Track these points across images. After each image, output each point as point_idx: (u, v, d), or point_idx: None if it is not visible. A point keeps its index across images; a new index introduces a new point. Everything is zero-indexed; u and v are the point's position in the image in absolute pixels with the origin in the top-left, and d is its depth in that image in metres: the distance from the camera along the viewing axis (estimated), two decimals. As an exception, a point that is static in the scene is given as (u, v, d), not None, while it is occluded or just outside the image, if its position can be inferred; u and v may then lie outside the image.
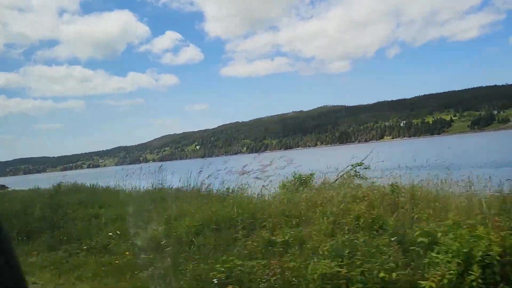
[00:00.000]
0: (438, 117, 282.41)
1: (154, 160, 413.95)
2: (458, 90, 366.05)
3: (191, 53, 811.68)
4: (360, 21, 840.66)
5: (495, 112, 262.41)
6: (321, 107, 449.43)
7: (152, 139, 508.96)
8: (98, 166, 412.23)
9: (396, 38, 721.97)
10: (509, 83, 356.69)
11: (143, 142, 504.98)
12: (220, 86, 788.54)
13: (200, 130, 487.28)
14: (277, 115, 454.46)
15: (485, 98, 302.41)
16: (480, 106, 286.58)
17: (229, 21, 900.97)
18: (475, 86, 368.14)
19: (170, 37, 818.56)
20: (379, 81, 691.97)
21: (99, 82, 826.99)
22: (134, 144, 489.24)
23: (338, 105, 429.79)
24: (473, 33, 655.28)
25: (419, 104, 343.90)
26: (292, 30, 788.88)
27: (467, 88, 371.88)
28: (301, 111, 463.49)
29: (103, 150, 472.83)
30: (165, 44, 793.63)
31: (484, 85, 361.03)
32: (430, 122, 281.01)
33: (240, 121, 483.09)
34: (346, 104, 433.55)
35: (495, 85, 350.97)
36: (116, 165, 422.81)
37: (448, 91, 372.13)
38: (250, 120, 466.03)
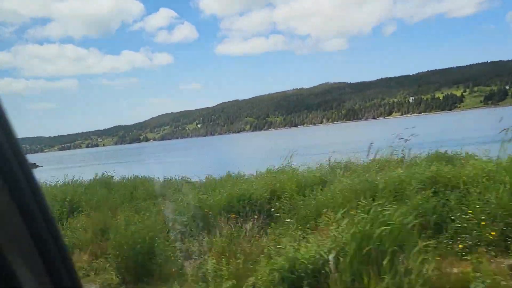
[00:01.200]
0: (449, 93, 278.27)
1: (154, 139, 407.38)
2: (463, 66, 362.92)
3: (185, 31, 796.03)
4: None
5: (507, 87, 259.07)
6: (322, 84, 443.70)
7: (149, 118, 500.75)
8: (97, 145, 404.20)
9: (393, 15, 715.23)
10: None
11: (140, 121, 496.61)
12: (215, 64, 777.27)
13: (199, 109, 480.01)
14: (278, 92, 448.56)
15: (492, 73, 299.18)
16: (489, 81, 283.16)
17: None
18: (479, 62, 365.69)
19: (164, 15, 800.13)
20: (377, 58, 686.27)
21: (92, 61, 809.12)
22: (132, 123, 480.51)
23: (340, 82, 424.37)
24: (470, 10, 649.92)
25: (425, 80, 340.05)
26: (288, 7, 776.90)
27: (471, 63, 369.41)
28: (302, 88, 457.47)
29: (100, 130, 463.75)
30: (159, 22, 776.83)
31: (489, 61, 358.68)
32: (441, 98, 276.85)
33: (240, 99, 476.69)
34: (348, 81, 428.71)
35: (500, 60, 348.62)
36: (115, 144, 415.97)
37: (453, 67, 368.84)
38: (250, 98, 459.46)
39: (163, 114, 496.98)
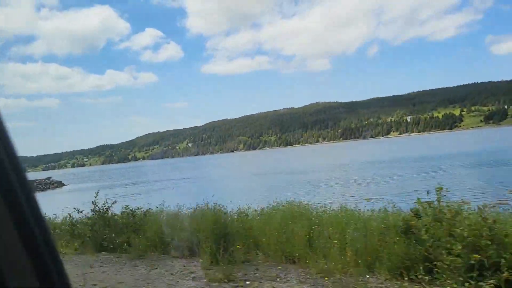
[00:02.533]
0: (448, 112, 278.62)
1: (144, 159, 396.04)
2: (454, 86, 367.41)
3: (171, 51, 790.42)
4: (342, 19, 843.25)
5: (505, 106, 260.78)
6: (313, 103, 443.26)
7: (135, 137, 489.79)
8: (83, 165, 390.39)
9: (377, 36, 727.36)
10: (506, 79, 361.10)
11: (126, 140, 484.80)
12: (200, 83, 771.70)
13: (188, 128, 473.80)
14: (269, 111, 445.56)
15: (486, 93, 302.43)
16: (485, 101, 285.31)
17: (211, 18, 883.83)
18: (467, 83, 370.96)
19: (150, 34, 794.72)
20: (361, 78, 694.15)
21: (76, 79, 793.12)
22: (118, 142, 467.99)
23: (332, 101, 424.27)
24: (450, 33, 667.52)
25: (419, 100, 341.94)
26: (274, 27, 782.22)
27: (460, 84, 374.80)
28: (292, 107, 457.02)
29: (85, 149, 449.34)
30: (145, 41, 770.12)
31: (479, 81, 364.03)
32: (440, 117, 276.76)
33: (229, 118, 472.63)
34: (340, 100, 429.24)
35: (491, 81, 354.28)
36: (103, 163, 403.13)
37: (444, 87, 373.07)
38: (240, 117, 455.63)
39: (150, 133, 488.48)
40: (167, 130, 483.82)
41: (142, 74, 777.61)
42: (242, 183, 43.62)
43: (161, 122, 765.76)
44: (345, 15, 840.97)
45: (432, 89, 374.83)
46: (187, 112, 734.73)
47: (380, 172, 39.56)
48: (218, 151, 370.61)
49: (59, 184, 68.81)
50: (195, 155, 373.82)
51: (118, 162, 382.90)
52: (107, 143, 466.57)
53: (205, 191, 33.60)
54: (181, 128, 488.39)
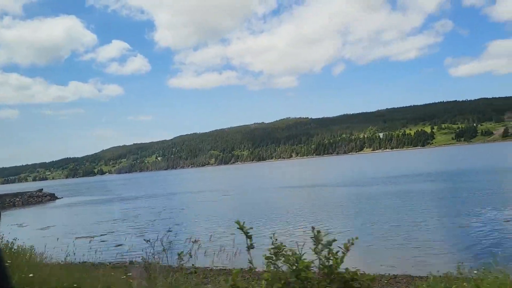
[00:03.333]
0: (420, 130, 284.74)
1: (110, 172, 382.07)
2: (421, 105, 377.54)
3: (138, 63, 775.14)
4: (309, 38, 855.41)
5: (474, 124, 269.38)
6: (284, 118, 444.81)
7: (100, 150, 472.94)
8: (45, 178, 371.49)
9: (343, 55, 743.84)
10: (470, 98, 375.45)
11: (90, 153, 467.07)
12: (167, 97, 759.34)
13: (156, 141, 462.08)
14: (240, 126, 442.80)
15: (452, 112, 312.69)
16: (454, 119, 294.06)
17: (180, 31, 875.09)
18: (436, 101, 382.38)
19: (117, 46, 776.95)
20: (328, 96, 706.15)
21: (37, 90, 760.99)
22: (81, 156, 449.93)
23: (303, 117, 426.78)
24: (412, 54, 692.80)
25: (389, 117, 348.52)
26: (243, 43, 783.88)
27: (429, 103, 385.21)
28: (263, 122, 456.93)
29: (48, 162, 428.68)
30: (111, 53, 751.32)
31: (445, 100, 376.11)
32: (412, 134, 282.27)
33: (198, 132, 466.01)
34: (310, 116, 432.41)
35: (455, 100, 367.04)
36: (66, 177, 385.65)
37: (412, 105, 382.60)
38: (210, 131, 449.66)
39: (116, 147, 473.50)
40: (134, 144, 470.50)
41: (107, 86, 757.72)
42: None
43: (127, 135, 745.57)
44: (312, 34, 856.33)
45: (400, 107, 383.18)
46: (153, 126, 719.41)
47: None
48: (189, 165, 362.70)
49: (52, 197, 62.25)
50: (165, 169, 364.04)
51: (83, 175, 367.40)
52: (71, 156, 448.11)
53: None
54: (149, 141, 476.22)
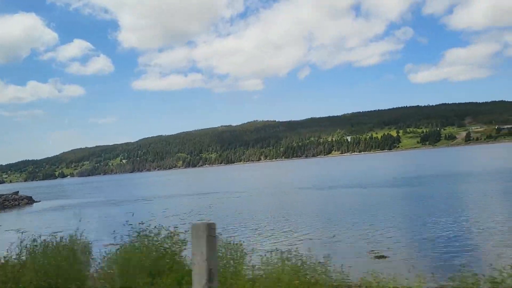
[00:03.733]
0: (386, 133, 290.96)
1: (72, 175, 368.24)
2: (385, 109, 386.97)
3: (101, 64, 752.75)
4: (275, 42, 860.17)
5: (438, 128, 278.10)
6: (252, 121, 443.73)
7: (61, 152, 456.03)
8: (2, 182, 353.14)
9: (308, 60, 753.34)
10: (431, 104, 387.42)
11: (50, 155, 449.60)
12: (131, 99, 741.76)
13: (120, 144, 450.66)
14: (207, 129, 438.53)
15: (416, 116, 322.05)
16: (418, 123, 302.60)
17: (145, 32, 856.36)
18: (399, 106, 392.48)
19: (79, 46, 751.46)
20: (293, 99, 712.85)
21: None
22: (41, 158, 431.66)
23: (270, 120, 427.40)
24: (374, 60, 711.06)
25: (355, 121, 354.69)
26: (209, 46, 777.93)
27: (393, 107, 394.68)
28: (230, 125, 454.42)
29: (4, 164, 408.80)
30: (72, 52, 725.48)
31: (408, 105, 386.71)
32: (379, 138, 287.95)
33: (164, 134, 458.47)
34: (277, 119, 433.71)
35: (418, 105, 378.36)
36: (25, 180, 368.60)
37: (377, 110, 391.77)
38: (176, 134, 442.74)
39: (77, 149, 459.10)
40: (96, 146, 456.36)
41: (67, 86, 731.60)
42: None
43: (89, 137, 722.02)
44: (278, 38, 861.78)
45: (365, 111, 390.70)
46: (116, 128, 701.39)
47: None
48: (155, 168, 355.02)
49: (30, 201, 57.91)
50: (130, 171, 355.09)
51: (43, 178, 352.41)
52: (29, 159, 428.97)
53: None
54: (112, 144, 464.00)
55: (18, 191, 60.74)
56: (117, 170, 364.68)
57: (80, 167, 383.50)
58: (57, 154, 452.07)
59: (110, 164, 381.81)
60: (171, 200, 48.02)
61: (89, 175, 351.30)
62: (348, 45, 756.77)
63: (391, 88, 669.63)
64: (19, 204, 55.10)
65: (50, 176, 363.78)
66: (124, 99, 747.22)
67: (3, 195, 56.06)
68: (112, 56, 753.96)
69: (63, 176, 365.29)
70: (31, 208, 53.23)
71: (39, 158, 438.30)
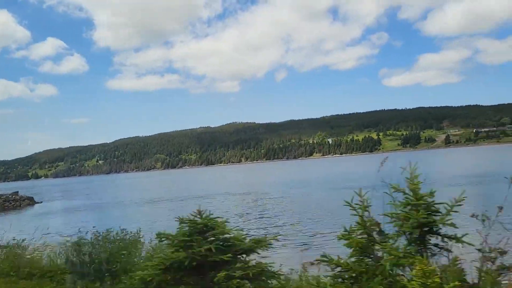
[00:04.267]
0: (367, 136, 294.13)
1: (46, 176, 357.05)
2: (364, 112, 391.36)
3: (75, 63, 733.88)
4: (253, 44, 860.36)
5: (417, 131, 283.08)
6: (231, 123, 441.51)
7: (33, 153, 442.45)
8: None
9: (285, 62, 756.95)
10: (408, 107, 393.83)
11: (22, 156, 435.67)
12: (106, 99, 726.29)
13: (96, 144, 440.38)
14: (185, 130, 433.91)
15: (395, 119, 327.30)
16: (397, 126, 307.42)
17: (121, 31, 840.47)
18: (377, 109, 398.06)
19: (52, 44, 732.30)
20: (271, 101, 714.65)
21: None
22: (12, 159, 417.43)
23: (250, 122, 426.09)
24: (350, 64, 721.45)
25: (335, 123, 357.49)
26: (187, 47, 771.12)
27: (371, 110, 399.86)
28: (209, 126, 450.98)
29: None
30: (45, 51, 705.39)
31: (386, 108, 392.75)
32: (360, 140, 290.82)
33: (141, 135, 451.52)
34: (256, 121, 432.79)
35: (395, 108, 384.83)
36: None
37: (355, 112, 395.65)
38: (154, 135, 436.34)
39: (50, 149, 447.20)
40: (70, 146, 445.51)
41: (40, 85, 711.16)
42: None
43: (62, 138, 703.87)
44: (256, 40, 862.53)
45: (344, 114, 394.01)
46: (90, 128, 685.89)
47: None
48: (133, 169, 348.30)
49: (31, 201, 54.57)
50: (107, 173, 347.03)
51: (16, 179, 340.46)
52: (1, 159, 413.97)
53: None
54: (87, 144, 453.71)
55: (17, 191, 57.28)
56: (93, 171, 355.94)
57: (55, 168, 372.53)
58: (30, 154, 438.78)
59: (86, 165, 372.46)
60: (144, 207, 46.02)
61: (64, 176, 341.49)
62: (325, 48, 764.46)
63: (366, 91, 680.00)
64: (20, 205, 51.87)
65: (23, 177, 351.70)
66: (98, 99, 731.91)
67: (2, 195, 52.68)
68: (87, 55, 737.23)
69: (36, 177, 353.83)
70: (35, 210, 50.07)
71: (9, 158, 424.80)
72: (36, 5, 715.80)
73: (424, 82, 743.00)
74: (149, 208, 40.48)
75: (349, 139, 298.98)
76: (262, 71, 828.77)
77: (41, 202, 56.28)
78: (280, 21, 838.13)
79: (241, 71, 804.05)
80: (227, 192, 51.65)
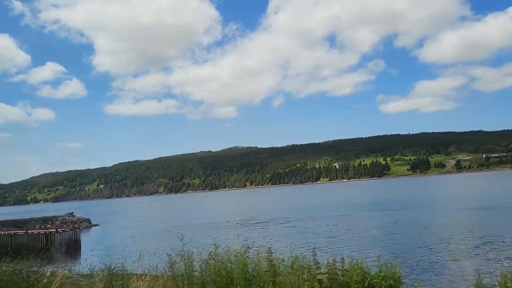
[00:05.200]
0: (376, 161, 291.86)
1: (46, 200, 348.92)
2: (366, 137, 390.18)
3: (73, 88, 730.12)
4: (251, 70, 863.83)
5: (424, 157, 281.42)
6: (232, 147, 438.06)
7: (30, 177, 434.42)
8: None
9: (282, 88, 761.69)
10: (411, 132, 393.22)
11: (19, 180, 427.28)
12: (103, 123, 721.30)
13: (95, 168, 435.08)
14: (186, 154, 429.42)
15: (402, 145, 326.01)
16: (405, 151, 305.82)
17: (121, 57, 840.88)
18: (380, 134, 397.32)
19: (51, 69, 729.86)
20: (269, 127, 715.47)
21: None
22: (8, 182, 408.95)
23: (252, 146, 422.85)
24: (347, 90, 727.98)
25: (339, 148, 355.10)
26: (185, 72, 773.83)
27: (373, 135, 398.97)
28: (210, 151, 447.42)
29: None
30: (44, 75, 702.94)
31: (387, 134, 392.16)
32: (368, 165, 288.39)
33: (142, 159, 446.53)
34: (257, 146, 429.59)
35: (398, 134, 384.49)
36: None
37: (358, 138, 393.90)
38: (154, 159, 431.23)
39: (48, 173, 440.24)
40: (68, 171, 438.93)
41: (37, 110, 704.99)
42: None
43: (58, 162, 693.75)
44: (254, 66, 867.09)
45: (348, 139, 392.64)
46: (86, 152, 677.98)
47: None
48: (135, 194, 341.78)
49: (89, 223, 50.59)
50: (108, 197, 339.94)
51: (14, 204, 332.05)
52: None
53: None
54: (84, 168, 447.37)
55: (72, 212, 53.27)
56: (93, 195, 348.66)
57: (54, 192, 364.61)
58: (26, 178, 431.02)
59: (87, 189, 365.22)
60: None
61: (64, 201, 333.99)
62: (322, 75, 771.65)
63: (364, 117, 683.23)
64: (79, 227, 47.84)
65: (22, 201, 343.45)
66: (96, 123, 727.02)
67: (60, 216, 48.68)
68: (86, 80, 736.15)
69: (36, 201, 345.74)
70: (92, 232, 46.16)
71: (6, 182, 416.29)
72: (38, 30, 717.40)
73: (420, 109, 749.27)
74: (254, 229, 36.78)
75: (356, 163, 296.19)
76: (259, 97, 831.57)
77: (98, 224, 52.22)
78: (278, 48, 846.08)
79: (238, 97, 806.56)
80: (326, 215, 48.15)
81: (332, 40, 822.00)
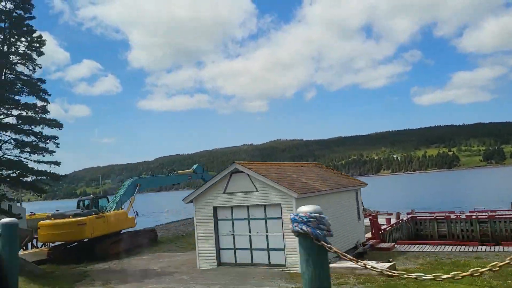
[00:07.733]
0: (442, 151, 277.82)
1: (95, 194, 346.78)
2: (416, 128, 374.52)
3: (108, 84, 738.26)
4: (283, 63, 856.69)
5: (496, 147, 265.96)
6: (275, 140, 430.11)
7: (72, 171, 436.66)
8: (17, 200, 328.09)
9: (314, 81, 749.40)
10: (466, 123, 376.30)
11: (61, 174, 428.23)
12: (137, 119, 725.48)
13: (138, 162, 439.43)
14: (231, 147, 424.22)
15: (459, 135, 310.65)
16: (468, 142, 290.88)
17: (155, 52, 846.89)
18: (432, 125, 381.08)
19: (87, 66, 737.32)
20: (301, 120, 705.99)
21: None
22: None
23: (297, 139, 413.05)
24: (381, 82, 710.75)
25: (395, 139, 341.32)
26: (217, 67, 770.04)
27: (425, 126, 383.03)
28: (252, 144, 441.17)
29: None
30: (81, 72, 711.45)
31: (442, 125, 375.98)
32: (435, 156, 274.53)
33: (182, 153, 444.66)
34: (303, 138, 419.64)
35: (452, 124, 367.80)
36: (45, 199, 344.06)
37: (404, 129, 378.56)
38: (196, 152, 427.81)
39: (89, 168, 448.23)
40: (109, 165, 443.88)
41: (74, 106, 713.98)
42: None
43: (96, 156, 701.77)
44: (286, 59, 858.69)
45: (398, 130, 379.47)
46: (122, 147, 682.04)
47: None
48: (184, 187, 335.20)
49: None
50: (157, 190, 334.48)
51: (65, 197, 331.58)
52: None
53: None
54: (125, 163, 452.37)
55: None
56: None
57: (103, 186, 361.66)
58: (69, 173, 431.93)
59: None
60: None
61: (111, 194, 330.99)
62: (356, 66, 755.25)
63: (397, 109, 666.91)
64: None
65: (71, 195, 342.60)
66: (130, 118, 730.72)
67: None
68: (120, 76, 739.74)
69: (85, 194, 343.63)
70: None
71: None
72: (76, 28, 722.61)
73: (456, 100, 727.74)
74: None
75: (420, 155, 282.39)
76: (291, 90, 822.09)
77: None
78: (311, 39, 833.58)
79: (269, 90, 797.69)
80: None
81: (368, 31, 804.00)
